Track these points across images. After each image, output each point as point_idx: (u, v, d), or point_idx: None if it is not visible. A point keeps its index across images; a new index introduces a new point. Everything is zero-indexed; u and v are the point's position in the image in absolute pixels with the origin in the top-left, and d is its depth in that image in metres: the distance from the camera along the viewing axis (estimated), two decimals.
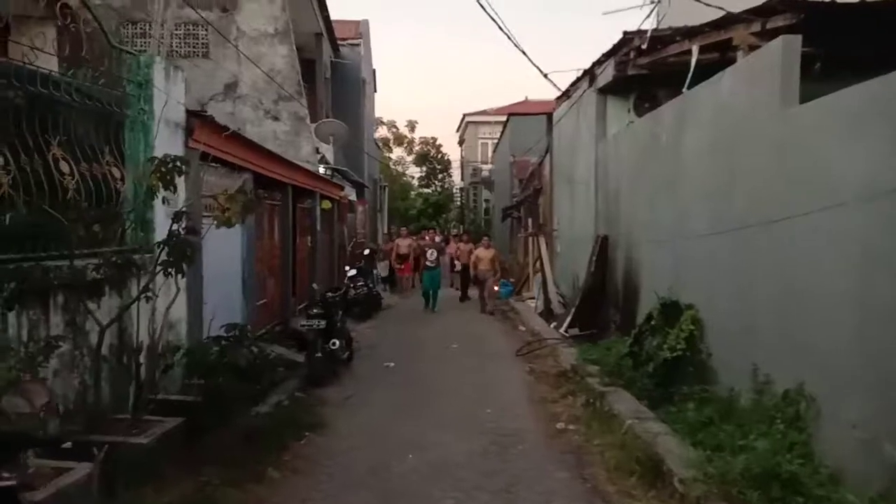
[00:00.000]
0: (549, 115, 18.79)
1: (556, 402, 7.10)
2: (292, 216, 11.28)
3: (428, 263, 16.25)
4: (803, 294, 4.88)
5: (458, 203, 47.82)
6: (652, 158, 8.63)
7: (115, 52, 5.90)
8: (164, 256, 4.85)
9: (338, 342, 7.98)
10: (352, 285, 9.42)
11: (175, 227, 4.70)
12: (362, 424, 6.45)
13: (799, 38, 5.41)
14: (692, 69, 7.99)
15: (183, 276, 4.80)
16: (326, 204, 14.12)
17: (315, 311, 8.01)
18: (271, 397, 7.03)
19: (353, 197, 19.08)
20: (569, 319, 11.02)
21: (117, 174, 5.66)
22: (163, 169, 4.65)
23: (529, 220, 18.41)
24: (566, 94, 14.18)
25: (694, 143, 7.24)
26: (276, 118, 15.52)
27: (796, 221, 5.00)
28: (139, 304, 5.12)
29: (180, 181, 5.67)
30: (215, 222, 4.93)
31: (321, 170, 15.61)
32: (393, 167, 46.90)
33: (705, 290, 6.94)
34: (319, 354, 7.75)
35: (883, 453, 4.00)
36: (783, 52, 5.42)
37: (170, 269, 4.60)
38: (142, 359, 5.14)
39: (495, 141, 35.69)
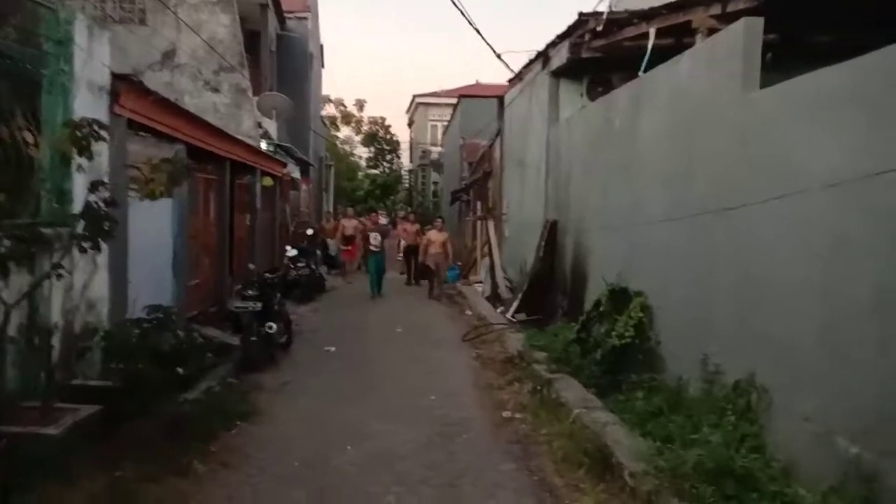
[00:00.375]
0: (501, 98, 18.57)
1: (503, 388, 6.90)
2: (230, 192, 10.74)
3: (372, 248, 15.13)
4: (762, 283, 4.76)
5: (407, 185, 47.33)
6: (605, 143, 8.47)
7: (31, 5, 5.33)
8: (81, 230, 4.38)
9: (275, 325, 7.56)
10: (292, 266, 8.95)
11: (92, 198, 4.23)
12: (299, 412, 6.10)
13: (761, 20, 5.26)
14: (648, 52, 7.84)
15: (100, 252, 4.34)
16: (268, 181, 13.56)
17: (251, 292, 7.56)
18: (201, 383, 6.60)
19: (296, 175, 18.48)
20: (516, 304, 10.86)
21: (31, 140, 5.11)
22: (78, 133, 4.17)
23: (479, 204, 18.20)
24: (519, 77, 13.94)
25: (650, 127, 7.09)
26: (216, 90, 14.84)
27: (757, 208, 4.86)
28: (52, 282, 4.64)
29: (102, 149, 5.19)
30: (139, 194, 4.47)
31: (263, 145, 15.01)
32: (340, 146, 46.05)
33: (659, 277, 6.82)
34: (255, 338, 7.33)
35: (836, 447, 3.90)
36: (745, 35, 5.25)
37: (85, 245, 4.14)
38: (55, 341, 4.67)
39: (445, 123, 35.35)
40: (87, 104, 5.37)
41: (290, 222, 17.04)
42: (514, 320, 10.36)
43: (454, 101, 30.14)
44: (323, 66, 29.15)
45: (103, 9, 14.20)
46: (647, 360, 6.55)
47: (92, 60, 5.41)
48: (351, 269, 17.63)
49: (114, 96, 5.70)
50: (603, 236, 8.48)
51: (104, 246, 5.73)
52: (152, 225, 7.14)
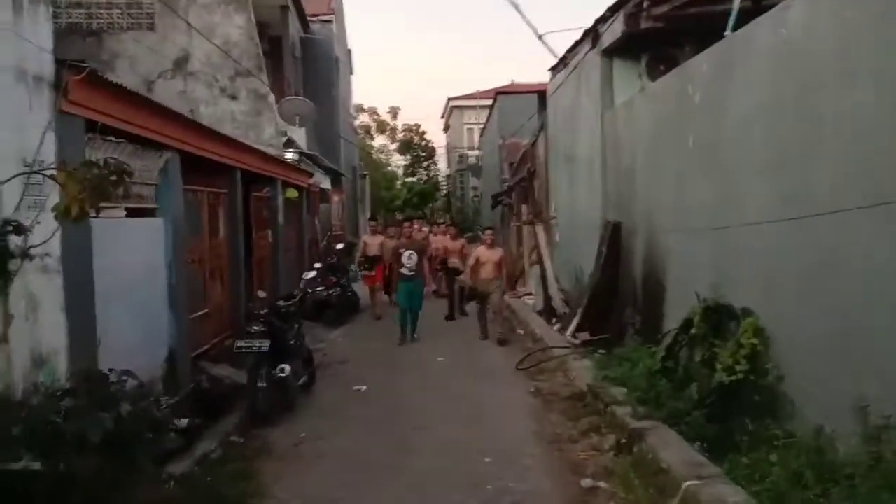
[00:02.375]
0: (542, 94, 17.12)
1: (576, 442, 5.39)
2: (245, 207, 9.50)
3: (403, 272, 10.59)
4: None
5: (445, 191, 45.96)
6: (680, 125, 6.93)
7: None
8: None
9: (288, 367, 6.19)
10: (309, 290, 7.62)
11: None
12: (312, 491, 4.71)
13: None
14: (737, 5, 6.28)
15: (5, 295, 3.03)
16: (292, 193, 12.32)
17: (256, 327, 6.26)
18: (199, 445, 5.31)
19: (326, 185, 17.26)
20: (576, 322, 9.33)
21: None
22: None
23: (523, 207, 16.67)
24: (563, 62, 12.43)
25: (745, 99, 5.54)
26: (233, 97, 13.71)
27: None
28: None
29: (47, 155, 3.92)
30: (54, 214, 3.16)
31: (289, 156, 13.81)
32: (376, 155, 44.99)
33: (766, 291, 5.27)
34: (263, 384, 6.00)
35: None
36: None
37: None
38: None
39: (482, 126, 33.88)
40: (18, 101, 4.10)
41: (320, 237, 15.78)
42: (576, 341, 8.83)
43: (490, 102, 28.68)
44: (352, 72, 28.05)
45: (110, 16, 13.20)
46: (765, 403, 5.00)
47: (23, 43, 4.15)
48: (376, 301, 13.15)
49: (60, 90, 4.43)
50: (681, 240, 6.94)
51: (55, 283, 4.52)
52: (134, 251, 5.88)
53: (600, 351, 8.35)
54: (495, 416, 6.18)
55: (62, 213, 3.06)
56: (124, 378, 3.81)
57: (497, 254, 11.02)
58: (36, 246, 3.49)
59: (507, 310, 12.05)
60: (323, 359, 8.84)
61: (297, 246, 13.30)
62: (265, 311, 6.48)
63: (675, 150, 7.06)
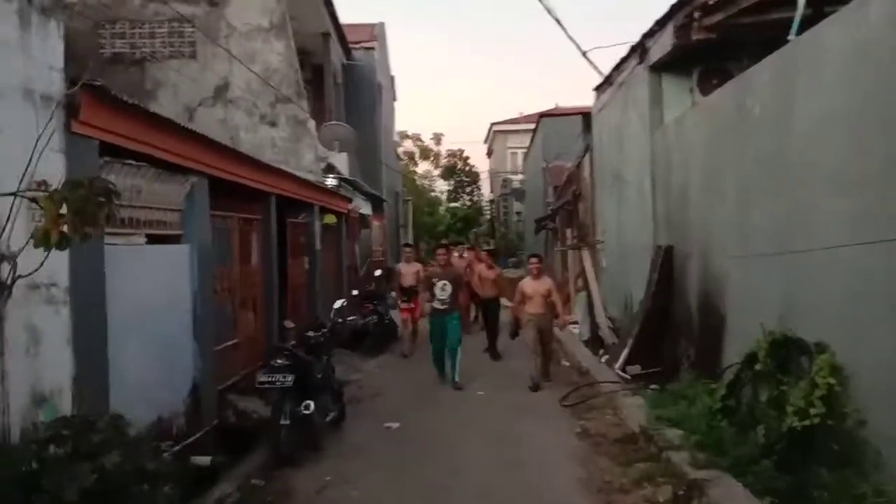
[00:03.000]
0: (586, 115, 16.67)
1: (627, 492, 4.82)
2: (281, 233, 9.24)
3: (436, 305, 9.18)
4: None
5: (488, 216, 45.55)
6: (739, 140, 6.38)
7: None
8: None
9: (313, 404, 5.77)
10: (340, 320, 7.19)
11: None
12: None
13: None
14: (801, 7, 5.75)
15: None
16: (330, 218, 12.07)
17: (280, 361, 5.82)
18: (215, 489, 4.94)
19: (366, 211, 17.03)
20: (626, 354, 8.72)
21: None
22: None
23: (567, 231, 16.12)
24: (608, 81, 11.97)
25: (815, 107, 4.98)
26: (272, 123, 13.61)
27: None
28: None
29: (54, 177, 3.64)
30: (33, 241, 2.84)
31: (330, 181, 13.61)
32: (419, 182, 44.96)
33: (844, 323, 4.67)
34: (286, 421, 5.61)
35: None
36: None
37: None
38: None
39: (525, 150, 33.48)
40: (25, 121, 3.85)
41: (359, 264, 15.49)
42: (626, 375, 8.23)
43: (533, 126, 28.28)
44: (395, 98, 28.04)
45: (152, 45, 13.31)
46: (845, 451, 4.39)
47: (30, 61, 3.92)
48: (410, 339, 11.70)
49: (70, 110, 4.18)
50: (743, 265, 6.34)
51: (61, 315, 4.23)
52: (156, 279, 5.60)
53: (652, 386, 7.74)
54: (538, 461, 5.62)
55: (41, 240, 2.74)
56: (121, 421, 3.43)
57: (545, 285, 9.26)
58: (24, 276, 3.18)
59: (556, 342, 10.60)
60: (357, 391, 8.43)
61: (336, 273, 13.01)
62: (292, 342, 6.11)
63: (734, 167, 6.50)
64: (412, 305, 11.69)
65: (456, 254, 15.32)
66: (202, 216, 6.45)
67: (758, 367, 5.43)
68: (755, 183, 6.04)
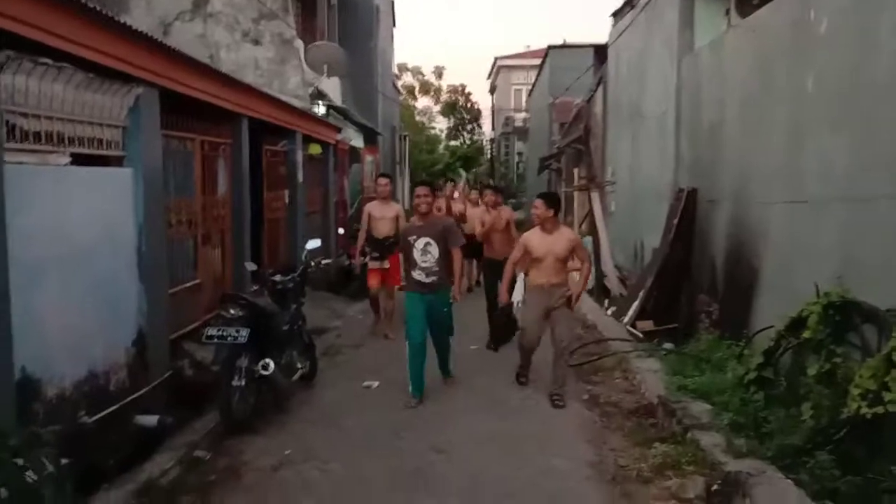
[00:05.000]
0: (598, 48, 15.48)
1: (648, 481, 3.97)
2: (255, 162, 8.21)
3: (416, 276, 5.71)
4: None
5: (488, 156, 44.21)
6: (796, 64, 5.32)
7: None
8: None
9: (272, 363, 4.80)
10: (313, 263, 6.08)
11: None
12: None
13: None
14: None
15: None
16: (315, 149, 10.98)
17: (233, 311, 4.72)
18: (152, 461, 4.11)
19: (358, 143, 15.88)
20: (636, 307, 7.85)
21: None
22: None
23: (575, 171, 15.05)
24: (629, 3, 10.74)
25: None
26: (256, 41, 12.35)
27: None
28: None
29: None
30: None
31: (320, 109, 12.46)
32: (419, 117, 43.37)
33: None
34: (241, 382, 4.70)
35: None
36: None
37: None
38: None
39: (530, 88, 31.93)
40: None
41: (349, 200, 14.46)
42: (637, 332, 7.36)
43: (539, 61, 26.73)
44: (395, 24, 26.40)
45: None
46: None
47: None
48: (386, 312, 8.10)
49: None
50: (790, 214, 5.37)
51: None
52: (88, 208, 4.62)
53: (666, 345, 6.91)
54: (540, 437, 4.72)
55: None
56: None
57: (562, 240, 5.72)
58: None
59: (576, 341, 6.98)
60: (335, 341, 7.53)
61: (322, 209, 11.98)
62: (254, 288, 5.17)
63: (786, 98, 5.46)
64: (386, 266, 7.79)
65: (448, 191, 13.24)
66: (151, 136, 5.41)
67: (806, 334, 4.53)
68: (814, 115, 5.02)
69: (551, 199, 5.89)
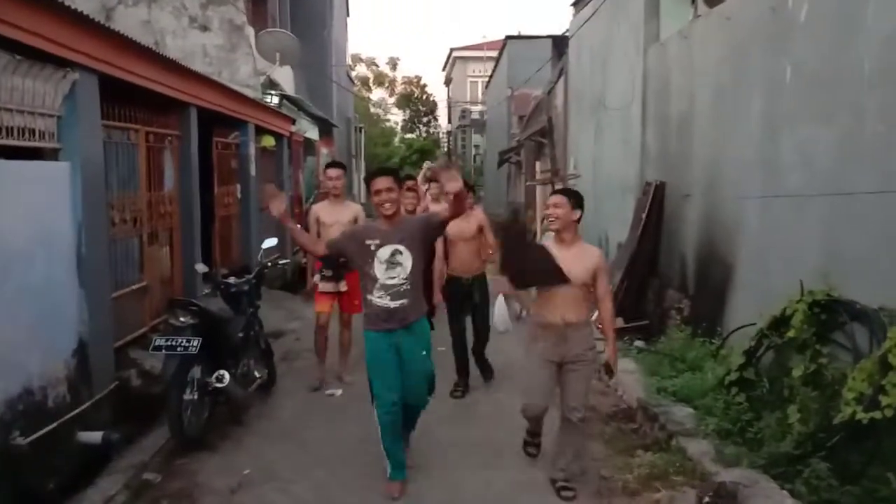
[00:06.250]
0: (556, 38, 15.39)
1: (635, 495, 3.75)
2: (204, 155, 7.74)
3: (378, 301, 3.85)
4: None
5: (445, 149, 43.92)
6: (773, 53, 5.16)
7: None
8: None
9: (227, 374, 4.45)
10: (269, 263, 5.56)
11: None
12: None
13: None
14: None
15: None
16: (269, 141, 10.53)
17: (182, 319, 4.37)
18: (91, 489, 3.71)
19: (312, 135, 15.39)
20: None
21: None
22: None
23: (536, 164, 14.88)
24: None
25: None
26: (204, 28, 11.76)
27: None
28: None
29: None
30: None
31: (273, 99, 11.97)
32: (373, 110, 42.80)
33: None
34: (193, 396, 4.33)
35: None
36: None
37: None
38: None
39: (486, 79, 31.72)
40: None
41: (304, 195, 13.99)
42: None
43: (496, 53, 26.51)
44: (349, 13, 25.87)
45: None
46: None
47: None
48: (343, 343, 6.14)
49: None
50: (767, 209, 5.23)
51: None
52: (16, 206, 4.15)
53: (637, 342, 6.75)
54: (516, 443, 4.50)
55: None
56: None
57: (585, 259, 3.96)
58: None
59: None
60: (294, 345, 7.13)
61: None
62: (205, 291, 4.76)
63: (762, 88, 5.30)
64: (343, 288, 5.84)
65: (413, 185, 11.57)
66: (90, 126, 4.95)
67: (791, 333, 4.38)
68: (793, 107, 4.87)
69: (576, 198, 4.07)
